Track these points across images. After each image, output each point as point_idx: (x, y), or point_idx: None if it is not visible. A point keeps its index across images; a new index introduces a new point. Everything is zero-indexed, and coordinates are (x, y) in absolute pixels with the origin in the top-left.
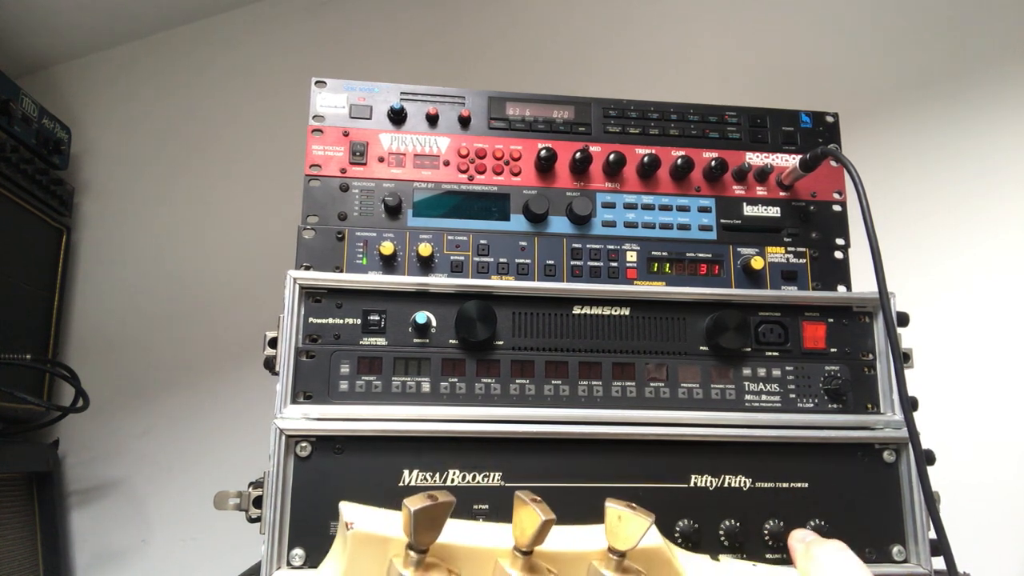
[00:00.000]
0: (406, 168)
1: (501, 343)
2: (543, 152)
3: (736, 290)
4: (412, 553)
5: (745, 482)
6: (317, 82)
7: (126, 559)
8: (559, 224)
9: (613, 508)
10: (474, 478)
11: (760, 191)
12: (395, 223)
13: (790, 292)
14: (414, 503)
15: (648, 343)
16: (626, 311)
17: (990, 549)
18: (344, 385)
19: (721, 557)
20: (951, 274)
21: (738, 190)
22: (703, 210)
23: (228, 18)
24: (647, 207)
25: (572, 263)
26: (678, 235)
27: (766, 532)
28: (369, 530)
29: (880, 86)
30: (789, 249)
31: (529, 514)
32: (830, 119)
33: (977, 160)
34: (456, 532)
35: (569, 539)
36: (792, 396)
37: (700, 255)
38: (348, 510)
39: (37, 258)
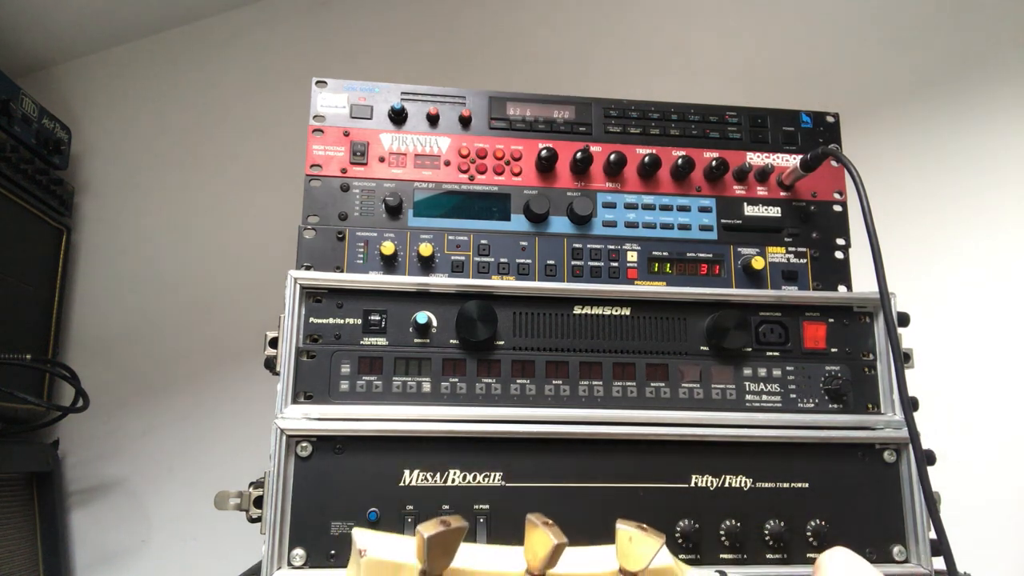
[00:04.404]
0: (407, 168)
1: (502, 343)
2: (544, 152)
3: (736, 290)
4: None
5: (745, 482)
6: (318, 82)
7: (126, 559)
8: (560, 224)
9: (624, 529)
10: (475, 478)
11: (761, 191)
12: (396, 223)
13: (790, 292)
14: (427, 529)
15: (648, 343)
16: (627, 311)
17: (990, 549)
18: (345, 385)
19: (728, 571)
20: (952, 274)
21: (739, 190)
22: (704, 210)
23: (228, 18)
24: (648, 207)
25: (573, 263)
26: (679, 235)
27: (766, 532)
28: (382, 557)
29: (880, 86)
30: (790, 249)
31: (541, 537)
32: (830, 119)
33: (977, 160)
34: (468, 557)
35: (580, 561)
36: (792, 396)
37: (700, 255)
38: (361, 537)
39: (37, 258)
